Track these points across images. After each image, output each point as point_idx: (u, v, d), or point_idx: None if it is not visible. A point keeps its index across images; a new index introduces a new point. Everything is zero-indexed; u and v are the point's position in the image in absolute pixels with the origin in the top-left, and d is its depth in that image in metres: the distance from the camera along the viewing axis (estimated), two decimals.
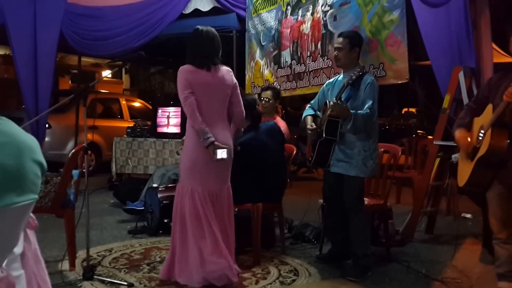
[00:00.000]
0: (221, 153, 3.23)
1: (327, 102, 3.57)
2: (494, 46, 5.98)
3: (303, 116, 3.88)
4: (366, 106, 3.46)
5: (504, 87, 2.62)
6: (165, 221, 4.52)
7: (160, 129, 6.58)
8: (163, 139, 6.38)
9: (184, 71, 3.27)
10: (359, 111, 3.43)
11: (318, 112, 3.80)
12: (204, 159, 3.25)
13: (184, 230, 3.22)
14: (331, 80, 3.95)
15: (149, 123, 7.09)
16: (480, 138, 2.75)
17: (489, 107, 2.75)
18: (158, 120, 6.64)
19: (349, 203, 3.58)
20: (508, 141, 2.63)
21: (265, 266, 3.65)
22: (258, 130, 3.93)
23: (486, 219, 3.20)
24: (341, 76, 3.76)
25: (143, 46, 6.39)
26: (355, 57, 3.70)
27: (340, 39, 3.72)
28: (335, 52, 3.73)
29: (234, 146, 3.48)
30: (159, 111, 6.66)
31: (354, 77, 3.48)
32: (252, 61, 6.94)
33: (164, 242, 4.26)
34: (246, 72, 7.05)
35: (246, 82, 7.06)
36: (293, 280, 3.38)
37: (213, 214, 3.26)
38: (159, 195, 4.61)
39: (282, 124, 4.72)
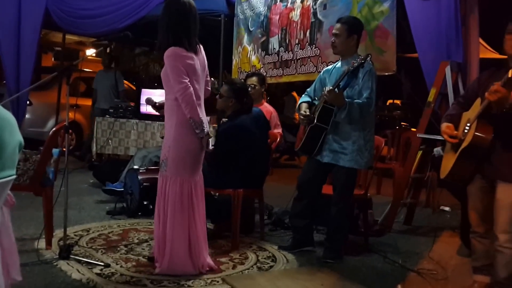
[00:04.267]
0: (211, 142, 3.15)
1: (324, 88, 3.49)
2: (481, 41, 6.03)
3: (299, 102, 3.80)
4: (364, 95, 3.39)
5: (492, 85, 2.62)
6: (145, 203, 4.50)
7: (143, 111, 6.51)
8: (146, 121, 6.32)
9: (179, 56, 2.99)
10: (355, 100, 3.37)
11: (315, 100, 3.73)
12: (198, 149, 3.11)
13: (171, 219, 3.08)
14: (329, 67, 3.88)
15: (132, 104, 7.00)
16: (466, 130, 2.76)
17: (478, 100, 2.76)
18: (141, 101, 6.57)
19: (339, 194, 3.57)
20: (493, 135, 2.64)
21: (243, 252, 3.65)
22: (246, 117, 3.88)
23: (465, 213, 3.23)
24: (339, 63, 3.66)
25: (129, 27, 6.29)
26: (353, 44, 3.57)
27: (338, 25, 3.58)
28: (332, 39, 3.61)
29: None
30: (143, 92, 6.58)
31: (356, 64, 3.35)
32: (239, 46, 6.89)
33: (142, 224, 4.24)
34: (233, 57, 7.01)
35: (233, 67, 7.02)
36: (271, 266, 3.38)
37: (199, 205, 3.17)
38: (140, 177, 4.57)
39: (270, 109, 4.71)
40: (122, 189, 4.89)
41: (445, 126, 2.91)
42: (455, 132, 2.86)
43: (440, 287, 3.12)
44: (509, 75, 2.48)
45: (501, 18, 3.06)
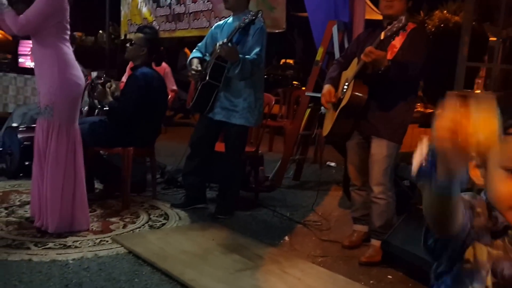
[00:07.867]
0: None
1: (216, 44, 3.43)
2: (368, 2, 6.28)
3: (189, 58, 3.71)
4: (254, 52, 3.39)
5: (369, 44, 2.75)
6: (26, 163, 4.20)
7: (22, 64, 6.00)
8: (25, 75, 5.82)
9: None
10: (246, 56, 3.36)
11: (207, 56, 3.66)
12: (81, 95, 3.09)
13: (56, 172, 2.95)
14: (220, 22, 3.80)
15: (9, 56, 6.41)
16: (344, 90, 2.90)
17: (355, 60, 2.89)
18: (20, 53, 6.04)
19: (230, 151, 3.60)
20: (368, 94, 2.80)
21: (134, 211, 3.58)
22: (152, 71, 3.66)
23: (347, 167, 3.44)
24: (231, 19, 3.62)
25: None
26: (244, 0, 3.57)
27: None
28: None
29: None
30: (21, 43, 6.04)
31: (247, 20, 3.35)
32: None
33: (25, 186, 3.97)
34: (121, 8, 6.64)
35: (122, 19, 6.67)
36: (163, 224, 3.37)
37: (81, 155, 3.07)
38: (20, 136, 4.26)
39: (163, 65, 4.57)
40: (1, 149, 4.54)
41: (326, 89, 3.01)
42: (333, 99, 2.97)
43: (323, 237, 3.32)
44: (381, 37, 2.62)
45: None
